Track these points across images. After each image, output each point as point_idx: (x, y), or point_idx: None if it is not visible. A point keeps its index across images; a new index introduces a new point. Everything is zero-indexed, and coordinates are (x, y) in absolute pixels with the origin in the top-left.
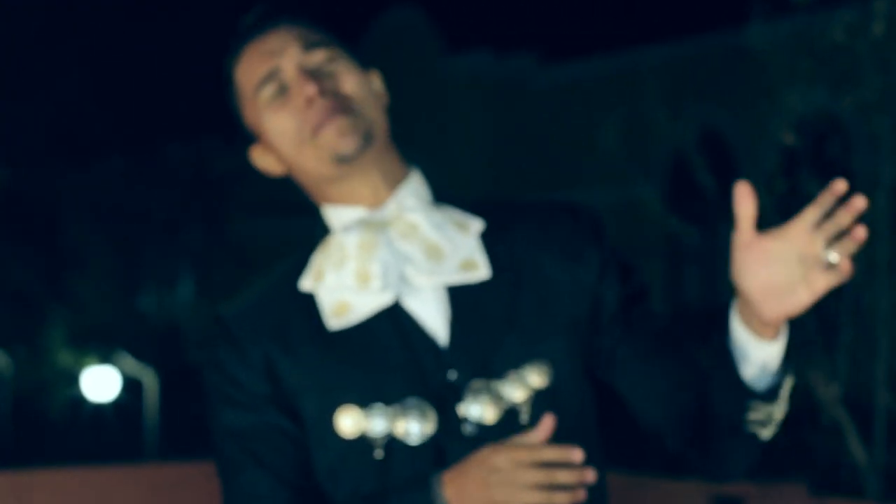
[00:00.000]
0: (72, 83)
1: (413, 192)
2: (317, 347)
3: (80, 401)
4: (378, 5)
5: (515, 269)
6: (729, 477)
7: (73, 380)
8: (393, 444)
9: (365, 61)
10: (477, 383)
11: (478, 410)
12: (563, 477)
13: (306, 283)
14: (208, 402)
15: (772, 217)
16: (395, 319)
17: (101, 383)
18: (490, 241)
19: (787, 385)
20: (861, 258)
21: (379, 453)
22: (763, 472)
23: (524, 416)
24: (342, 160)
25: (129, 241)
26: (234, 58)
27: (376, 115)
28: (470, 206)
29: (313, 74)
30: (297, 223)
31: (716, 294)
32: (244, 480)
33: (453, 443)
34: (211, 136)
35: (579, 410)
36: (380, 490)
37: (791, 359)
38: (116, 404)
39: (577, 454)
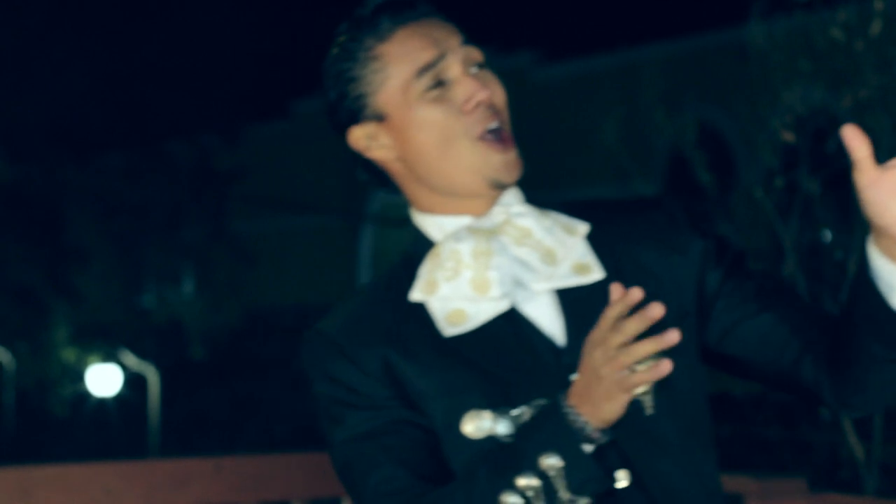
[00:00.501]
0: (74, 81)
1: (515, 197)
2: (437, 353)
3: (83, 397)
4: None
5: (620, 268)
6: (877, 409)
7: (76, 376)
8: (545, 407)
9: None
10: None
11: None
12: (649, 346)
13: (416, 295)
14: (325, 416)
15: (771, 214)
16: (512, 324)
17: (103, 380)
18: (593, 242)
19: None
20: (860, 256)
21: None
22: (762, 469)
23: (648, 408)
24: (498, 187)
25: (131, 238)
26: (382, 35)
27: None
28: (563, 208)
29: (479, 79)
30: (297, 221)
31: None
32: (381, 477)
33: None
34: (212, 134)
35: (694, 398)
36: (513, 440)
37: None
38: (119, 401)
39: (657, 309)
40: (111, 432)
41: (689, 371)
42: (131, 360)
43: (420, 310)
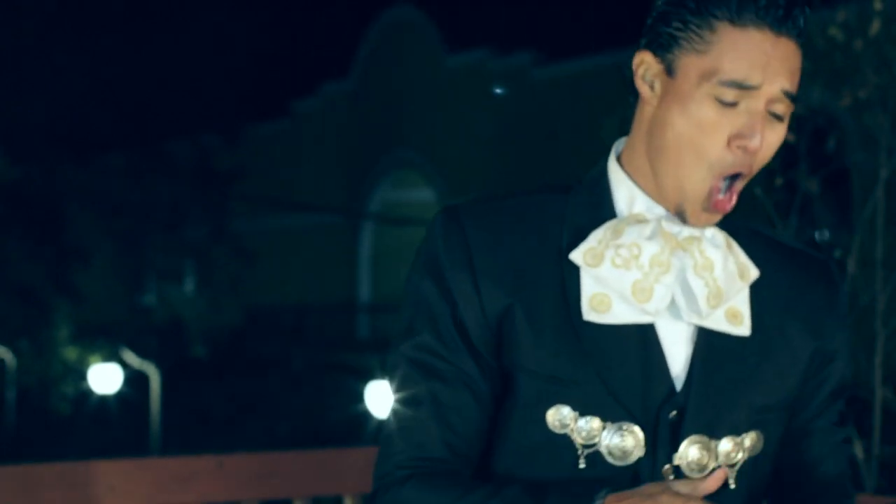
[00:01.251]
0: (75, 81)
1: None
2: (560, 332)
3: (85, 395)
4: (379, 4)
5: (768, 331)
6: None
7: (78, 375)
8: (595, 455)
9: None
10: (697, 436)
11: (692, 458)
12: None
13: (577, 256)
14: (414, 311)
15: (770, 213)
16: (644, 339)
17: (105, 378)
18: (755, 292)
19: None
20: (858, 254)
21: (581, 462)
22: None
23: (731, 480)
24: (709, 215)
25: (132, 237)
26: (736, 20)
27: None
28: (738, 233)
29: (767, 132)
30: (297, 220)
31: None
32: (416, 426)
33: (651, 479)
34: (213, 133)
35: (766, 481)
36: (546, 484)
37: None
38: (120, 399)
39: (720, 474)
40: (112, 430)
41: (773, 452)
42: (132, 358)
43: (569, 271)
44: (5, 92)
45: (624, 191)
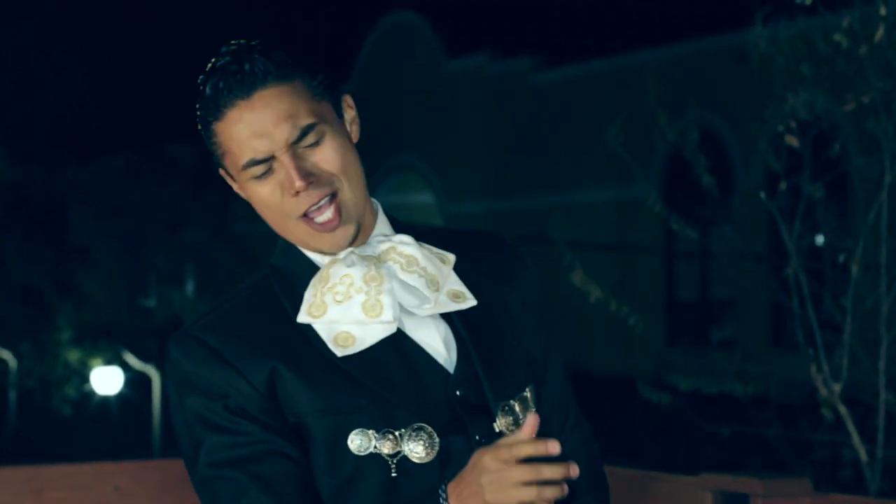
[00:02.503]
0: (77, 82)
1: (386, 225)
2: (326, 371)
3: (86, 397)
4: (378, 10)
5: (489, 297)
6: None
7: (79, 376)
8: (403, 460)
9: (333, 88)
10: (497, 402)
11: (502, 423)
12: (548, 472)
13: (303, 317)
14: (189, 431)
15: (777, 218)
16: (400, 347)
17: (106, 380)
18: (459, 271)
19: None
20: (861, 259)
21: (393, 471)
22: (762, 469)
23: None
24: (332, 234)
25: (134, 238)
26: (216, 115)
27: (358, 185)
28: (423, 235)
29: (302, 165)
30: None
31: (712, 292)
32: None
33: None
34: None
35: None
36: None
37: None
38: (121, 400)
39: (554, 446)
40: (114, 432)
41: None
42: (133, 360)
43: (305, 329)
44: (6, 92)
45: (310, 253)
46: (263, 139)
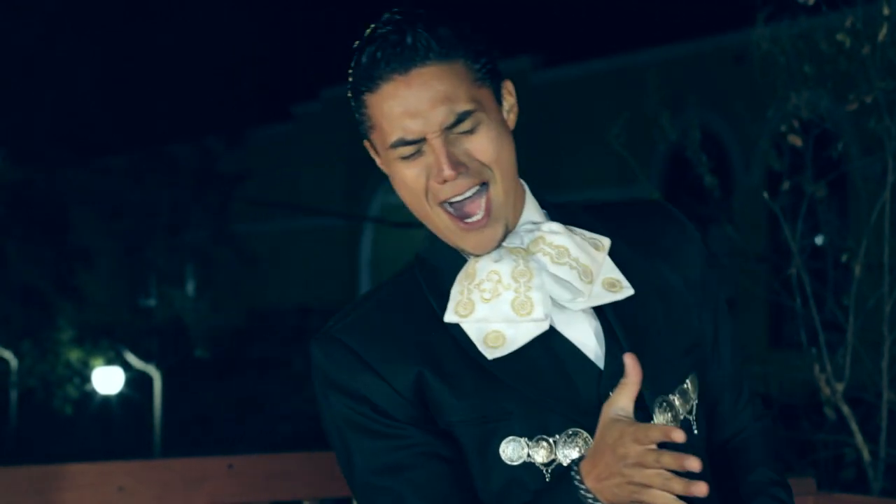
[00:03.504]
0: (78, 83)
1: (536, 210)
2: (474, 376)
3: (87, 396)
4: (379, 10)
5: (649, 281)
6: None
7: (80, 376)
8: (559, 468)
9: (495, 73)
10: (654, 397)
11: (660, 420)
12: (677, 486)
13: (451, 316)
14: (342, 437)
15: (780, 218)
16: (552, 346)
17: (107, 380)
18: (615, 256)
19: None
20: (864, 258)
21: (548, 477)
22: None
23: (695, 427)
24: (476, 233)
25: (135, 239)
26: (370, 87)
27: (511, 179)
28: (580, 213)
29: (453, 152)
30: (299, 223)
31: None
32: None
33: None
34: (215, 136)
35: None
36: (532, 496)
37: None
38: (122, 400)
39: (694, 464)
40: (115, 431)
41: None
42: (134, 360)
43: (452, 328)
44: (7, 93)
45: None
46: (417, 119)
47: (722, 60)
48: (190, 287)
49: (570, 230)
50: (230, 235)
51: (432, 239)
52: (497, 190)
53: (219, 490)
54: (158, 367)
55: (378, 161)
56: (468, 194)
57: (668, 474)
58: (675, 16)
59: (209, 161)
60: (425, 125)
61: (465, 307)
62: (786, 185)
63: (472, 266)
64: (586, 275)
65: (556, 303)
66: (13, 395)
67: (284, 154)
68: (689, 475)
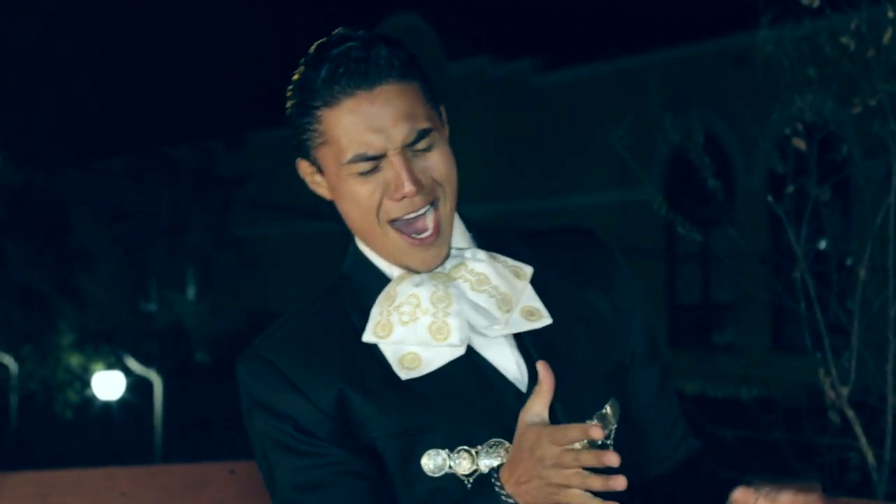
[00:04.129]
0: (79, 85)
1: (463, 236)
2: (395, 392)
3: (88, 401)
4: (379, 11)
5: (569, 308)
6: None
7: (81, 381)
8: (480, 478)
9: (436, 97)
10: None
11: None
12: (595, 483)
13: (369, 336)
14: (264, 455)
15: (775, 220)
16: (470, 367)
17: (108, 384)
18: (538, 283)
19: None
20: (869, 261)
21: (469, 487)
22: (768, 473)
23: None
24: (427, 250)
25: (135, 242)
26: (329, 102)
27: (454, 199)
28: (507, 239)
29: (412, 169)
30: (299, 226)
31: (713, 295)
32: None
33: None
34: (216, 139)
35: (638, 447)
36: None
37: None
38: (123, 404)
39: (613, 459)
40: (116, 436)
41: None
42: (135, 364)
43: (372, 347)
44: (8, 94)
45: (382, 264)
46: (379, 135)
47: (724, 63)
48: (191, 291)
49: (493, 257)
50: (231, 239)
51: (356, 256)
52: (446, 209)
53: (220, 495)
54: (159, 371)
55: (314, 179)
56: (421, 212)
57: (587, 473)
58: (678, 18)
59: (209, 162)
60: (387, 141)
61: (384, 328)
62: (790, 189)
63: (393, 288)
64: (505, 303)
65: (474, 328)
66: (13, 399)
67: (285, 157)
68: (609, 472)
